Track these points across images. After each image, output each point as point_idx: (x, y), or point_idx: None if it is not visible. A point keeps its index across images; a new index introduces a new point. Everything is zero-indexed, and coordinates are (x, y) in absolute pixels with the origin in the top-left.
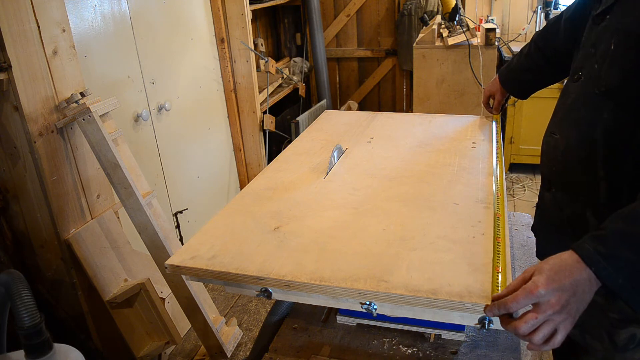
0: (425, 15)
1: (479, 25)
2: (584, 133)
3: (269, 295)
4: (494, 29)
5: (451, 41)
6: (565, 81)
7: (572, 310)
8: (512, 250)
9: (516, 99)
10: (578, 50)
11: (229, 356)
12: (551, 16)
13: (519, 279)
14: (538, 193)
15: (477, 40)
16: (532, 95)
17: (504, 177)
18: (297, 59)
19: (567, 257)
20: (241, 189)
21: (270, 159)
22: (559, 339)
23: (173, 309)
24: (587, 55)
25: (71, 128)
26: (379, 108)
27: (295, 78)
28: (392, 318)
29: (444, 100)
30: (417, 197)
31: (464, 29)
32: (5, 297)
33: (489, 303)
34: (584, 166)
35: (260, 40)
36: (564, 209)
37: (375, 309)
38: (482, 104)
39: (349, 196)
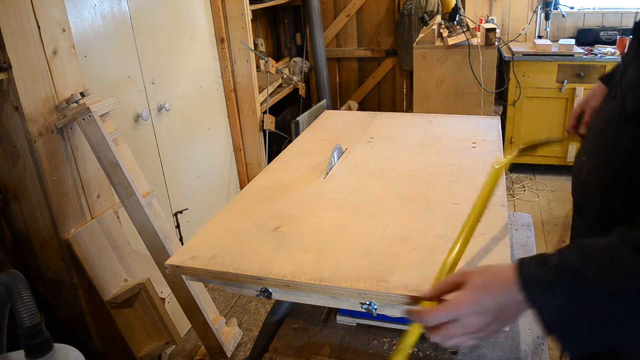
0: (425, 15)
1: (479, 25)
2: (606, 154)
3: (269, 295)
4: (494, 29)
5: (451, 41)
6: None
7: (491, 331)
8: (512, 250)
9: (516, 99)
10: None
11: (229, 356)
12: (551, 16)
13: (450, 280)
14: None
15: (477, 40)
16: (532, 95)
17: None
18: (297, 59)
19: (504, 275)
20: (241, 189)
21: (270, 159)
22: (465, 346)
23: (173, 309)
24: (624, 70)
25: (71, 128)
26: (379, 108)
27: (295, 78)
28: (392, 318)
29: (444, 100)
30: (417, 197)
31: (464, 29)
32: (6, 297)
33: None
34: (603, 191)
35: (260, 40)
36: (585, 237)
37: (375, 309)
38: (569, 127)
39: (349, 196)
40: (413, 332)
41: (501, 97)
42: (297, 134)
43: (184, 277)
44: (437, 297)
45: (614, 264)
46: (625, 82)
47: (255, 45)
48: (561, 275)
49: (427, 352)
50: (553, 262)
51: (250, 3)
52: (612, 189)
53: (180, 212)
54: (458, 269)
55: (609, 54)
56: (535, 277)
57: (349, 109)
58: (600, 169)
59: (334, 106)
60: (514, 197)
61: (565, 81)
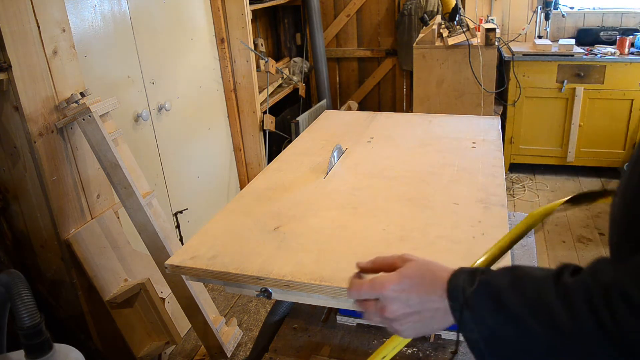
0: (425, 15)
1: (479, 25)
2: (630, 196)
3: (269, 295)
4: (494, 29)
5: (451, 41)
6: None
7: (411, 323)
8: (512, 250)
9: (516, 99)
10: None
11: (229, 356)
12: (551, 16)
13: (388, 259)
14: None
15: (477, 40)
16: (532, 95)
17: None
18: (297, 59)
19: (438, 276)
20: (241, 189)
21: (270, 159)
22: (388, 328)
23: (173, 309)
24: None
25: (71, 128)
26: (379, 108)
27: (295, 78)
28: None
29: (444, 100)
30: (417, 197)
31: (464, 29)
32: (6, 297)
33: None
34: (624, 230)
35: (260, 40)
36: None
37: None
38: None
39: (349, 196)
40: (394, 341)
41: (501, 97)
42: (297, 134)
43: (184, 277)
44: (371, 270)
45: (533, 298)
46: None
47: (255, 45)
48: (481, 294)
49: (427, 352)
50: (480, 278)
51: (250, 3)
52: (632, 228)
53: (180, 212)
54: (403, 252)
55: (609, 54)
56: (460, 288)
57: (349, 109)
58: (623, 210)
59: (334, 106)
60: (514, 197)
61: (565, 81)
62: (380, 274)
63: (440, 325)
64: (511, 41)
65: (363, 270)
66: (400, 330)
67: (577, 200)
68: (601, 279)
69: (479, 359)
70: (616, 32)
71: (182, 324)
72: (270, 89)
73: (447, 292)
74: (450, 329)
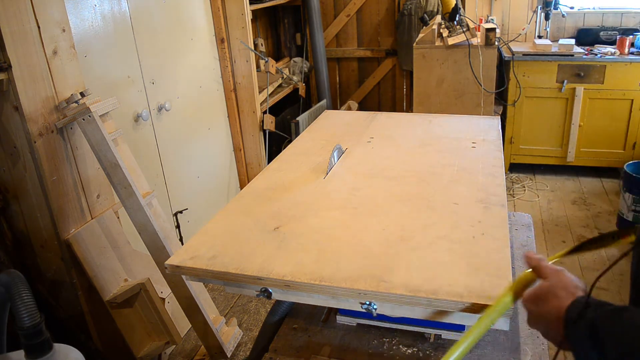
0: (425, 15)
1: (479, 25)
2: None
3: (269, 295)
4: (494, 29)
5: (451, 41)
6: None
7: (540, 326)
8: (512, 250)
9: (516, 99)
10: None
11: (229, 356)
12: (551, 16)
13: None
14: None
15: (477, 40)
16: (532, 95)
17: (504, 177)
18: (297, 59)
19: (562, 297)
20: (241, 189)
21: (270, 159)
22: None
23: (173, 309)
24: None
25: (71, 128)
26: (379, 108)
27: (295, 78)
28: (392, 318)
29: (444, 100)
30: (417, 197)
31: (464, 29)
32: (6, 297)
33: (489, 303)
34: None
35: (260, 40)
36: None
37: (375, 309)
38: None
39: (349, 196)
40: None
41: (501, 97)
42: (297, 134)
43: (184, 277)
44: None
45: (629, 347)
46: None
47: (255, 45)
48: (587, 337)
49: (427, 352)
50: (589, 316)
51: (250, 3)
52: None
53: (180, 212)
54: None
55: (609, 54)
56: (573, 323)
57: (349, 109)
58: None
59: (334, 106)
60: (514, 197)
61: (565, 81)
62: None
63: (557, 340)
64: (511, 41)
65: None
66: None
67: (581, 248)
68: None
69: None
70: (616, 32)
71: (182, 324)
72: (270, 89)
73: (563, 320)
74: (450, 328)
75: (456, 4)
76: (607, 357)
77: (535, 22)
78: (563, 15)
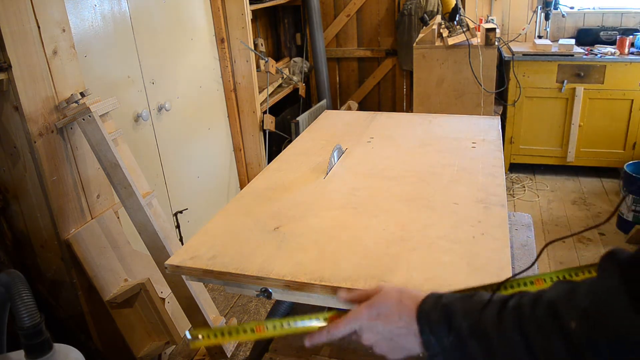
0: (425, 15)
1: (479, 25)
2: None
3: (269, 295)
4: (494, 29)
5: (451, 41)
6: None
7: (383, 349)
8: (512, 250)
9: (516, 99)
10: None
11: (229, 356)
12: (551, 16)
13: (368, 291)
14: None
15: (477, 40)
16: (532, 95)
17: (504, 177)
18: (297, 59)
19: (407, 303)
20: (241, 189)
21: (270, 159)
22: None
23: (173, 309)
24: None
25: (71, 128)
26: (379, 108)
27: (295, 78)
28: None
29: (444, 100)
30: (417, 197)
31: (464, 29)
32: (5, 297)
33: None
34: None
35: (260, 40)
36: None
37: None
38: None
39: (349, 196)
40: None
41: (501, 97)
42: (297, 134)
43: (184, 277)
44: (354, 300)
45: (476, 323)
46: None
47: (255, 45)
48: (440, 318)
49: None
50: (442, 302)
51: (250, 3)
52: None
53: (180, 212)
54: (380, 283)
55: (609, 54)
56: (425, 313)
57: (349, 109)
58: None
59: (334, 106)
60: (514, 197)
61: (565, 81)
62: (355, 307)
63: (414, 348)
64: (511, 41)
65: (346, 300)
66: (382, 354)
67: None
68: (539, 300)
69: None
70: (616, 32)
71: (182, 324)
72: (270, 89)
73: (416, 317)
74: None
75: (456, 4)
76: (460, 335)
77: (535, 22)
78: (563, 15)
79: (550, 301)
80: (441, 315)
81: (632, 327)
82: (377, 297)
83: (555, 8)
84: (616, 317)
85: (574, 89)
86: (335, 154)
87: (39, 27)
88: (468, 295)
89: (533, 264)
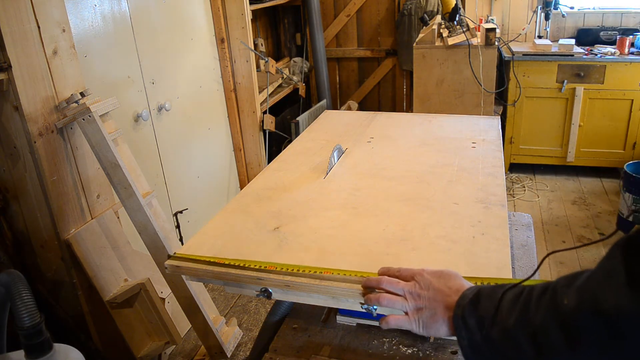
0: (425, 15)
1: (479, 25)
2: None
3: (269, 295)
4: (494, 29)
5: (451, 41)
6: None
7: (423, 318)
8: (512, 250)
9: (516, 99)
10: None
11: (229, 356)
12: (551, 16)
13: (414, 270)
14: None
15: (477, 40)
16: (532, 95)
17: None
18: (297, 59)
19: (451, 294)
20: (241, 189)
21: (270, 159)
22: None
23: (173, 309)
24: None
25: (71, 128)
26: (379, 108)
27: (295, 78)
28: None
29: (444, 100)
30: (417, 197)
31: (464, 29)
32: (5, 297)
33: None
34: None
35: (260, 40)
36: None
37: (375, 309)
38: None
39: (349, 196)
40: None
41: (501, 97)
42: (297, 134)
43: (184, 277)
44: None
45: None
46: None
47: (255, 45)
48: (468, 312)
49: (427, 352)
50: (469, 297)
51: (250, 3)
52: None
53: (180, 212)
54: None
55: (609, 54)
56: (458, 305)
57: (349, 109)
58: None
59: (334, 106)
60: (514, 197)
61: (565, 81)
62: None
63: (441, 330)
64: (511, 41)
65: (381, 273)
66: (412, 322)
67: None
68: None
69: None
70: (616, 32)
71: (182, 324)
72: (270, 89)
73: (453, 310)
74: None
75: (456, 4)
76: (482, 321)
77: (535, 22)
78: (563, 15)
79: (553, 285)
80: (471, 298)
81: (623, 303)
82: (438, 278)
83: (555, 8)
84: (608, 292)
85: (574, 89)
86: (335, 154)
87: (39, 27)
88: (502, 285)
89: (533, 273)
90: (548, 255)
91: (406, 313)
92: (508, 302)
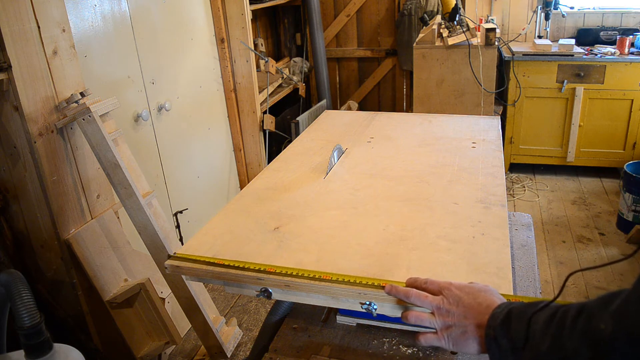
0: (425, 15)
1: (479, 25)
2: None
3: (269, 295)
4: (494, 29)
5: (451, 41)
6: None
7: (452, 335)
8: (512, 250)
9: (516, 99)
10: None
11: (229, 356)
12: (551, 16)
13: (441, 283)
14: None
15: (477, 40)
16: (532, 95)
17: (504, 176)
18: (297, 59)
19: (482, 312)
20: (241, 189)
21: (270, 159)
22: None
23: (173, 309)
24: None
25: (71, 128)
26: (379, 108)
27: (295, 78)
28: (392, 318)
29: (444, 100)
30: (417, 197)
31: (464, 29)
32: (5, 297)
33: None
34: None
35: (260, 40)
36: None
37: (375, 309)
38: None
39: (349, 196)
40: None
41: (501, 97)
42: (297, 134)
43: (184, 277)
44: (413, 285)
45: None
46: None
47: (255, 45)
48: (500, 334)
49: (427, 352)
50: (500, 317)
51: (250, 3)
52: None
53: (180, 212)
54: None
55: (609, 54)
56: (489, 326)
57: (349, 109)
58: None
59: (334, 106)
60: (514, 197)
61: (565, 81)
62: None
63: (470, 347)
64: (511, 41)
65: (409, 284)
66: (442, 339)
67: None
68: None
69: None
70: (616, 32)
71: (182, 324)
72: (270, 89)
73: (485, 331)
74: None
75: (456, 4)
76: (513, 344)
77: (535, 22)
78: (563, 15)
79: (589, 308)
80: (502, 317)
81: None
82: (467, 294)
83: (555, 8)
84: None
85: (574, 89)
86: (335, 154)
87: (39, 27)
88: (535, 303)
89: (559, 294)
90: (571, 274)
91: (435, 330)
92: (541, 325)
